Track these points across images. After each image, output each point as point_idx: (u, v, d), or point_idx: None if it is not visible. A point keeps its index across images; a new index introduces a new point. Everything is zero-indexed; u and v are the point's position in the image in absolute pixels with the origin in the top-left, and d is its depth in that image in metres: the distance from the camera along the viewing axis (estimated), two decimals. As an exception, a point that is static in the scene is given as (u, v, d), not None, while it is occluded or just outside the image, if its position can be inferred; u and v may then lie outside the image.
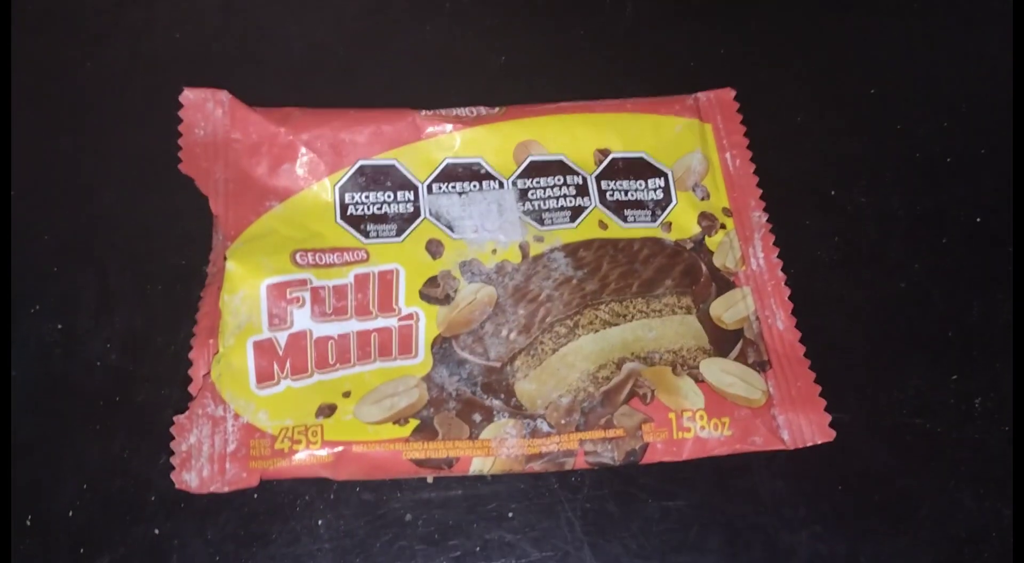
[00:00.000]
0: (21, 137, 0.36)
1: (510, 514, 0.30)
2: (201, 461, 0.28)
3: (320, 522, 0.29)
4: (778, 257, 0.34)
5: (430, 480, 0.30)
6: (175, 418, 0.29)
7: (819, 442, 0.31)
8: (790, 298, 0.34)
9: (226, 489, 0.28)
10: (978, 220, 0.36)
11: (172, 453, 0.29)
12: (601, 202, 0.35)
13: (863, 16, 0.41)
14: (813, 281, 0.34)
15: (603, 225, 0.34)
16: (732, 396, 0.31)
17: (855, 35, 0.41)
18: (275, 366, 0.30)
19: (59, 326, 0.32)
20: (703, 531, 0.30)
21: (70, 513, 0.29)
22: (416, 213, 0.34)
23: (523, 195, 0.35)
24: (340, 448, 0.29)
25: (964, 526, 0.30)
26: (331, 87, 0.38)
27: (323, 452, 0.29)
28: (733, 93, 0.38)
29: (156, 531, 0.29)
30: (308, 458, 0.29)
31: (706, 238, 0.35)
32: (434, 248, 0.33)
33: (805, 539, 0.30)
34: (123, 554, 0.29)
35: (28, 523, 0.29)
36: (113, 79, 0.38)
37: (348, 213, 0.34)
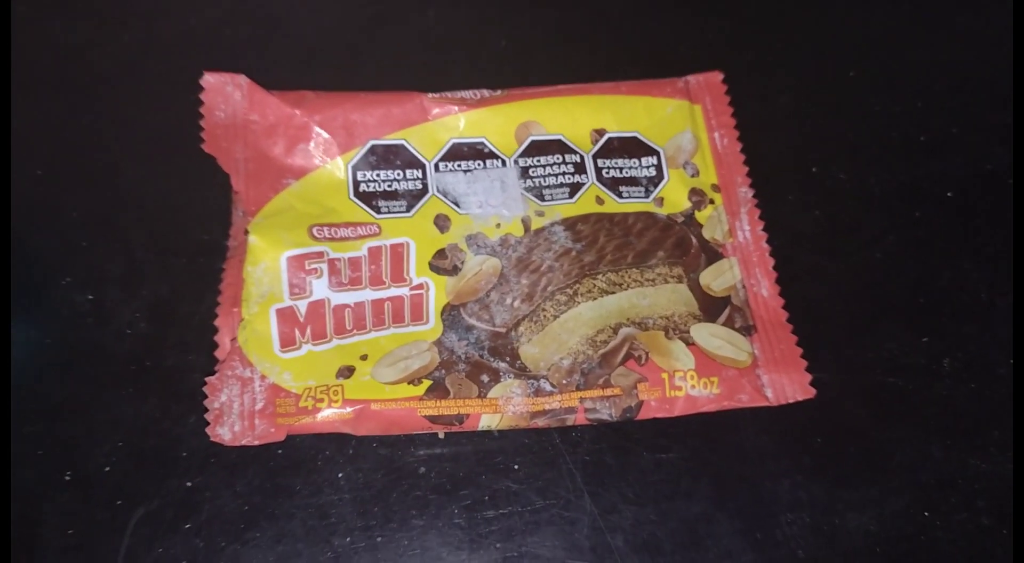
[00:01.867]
0: (45, 119, 0.38)
1: (516, 466, 0.32)
2: (232, 417, 0.31)
3: (340, 475, 0.32)
4: (763, 230, 0.37)
5: (442, 436, 0.33)
6: (207, 379, 0.31)
7: (800, 399, 0.33)
8: (774, 268, 0.36)
9: (256, 443, 0.30)
10: (949, 195, 0.39)
11: (202, 412, 0.31)
12: (598, 179, 0.37)
13: (844, 4, 0.43)
14: (795, 252, 0.37)
15: (600, 200, 0.37)
16: (720, 358, 0.34)
17: (836, 21, 0.43)
18: (296, 332, 0.33)
19: (90, 297, 0.34)
20: (693, 481, 0.32)
21: (107, 469, 0.31)
22: (424, 190, 0.36)
23: (524, 173, 0.37)
24: (359, 406, 0.31)
25: (932, 474, 0.33)
26: (339, 71, 0.40)
27: (344, 410, 0.31)
28: (721, 76, 0.40)
29: (188, 484, 0.31)
30: (330, 415, 0.31)
31: (696, 212, 0.37)
32: (442, 223, 0.35)
33: (787, 487, 0.32)
34: (158, 505, 0.31)
35: (67, 478, 0.31)
36: (131, 63, 0.40)
37: (360, 190, 0.36)
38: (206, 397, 0.31)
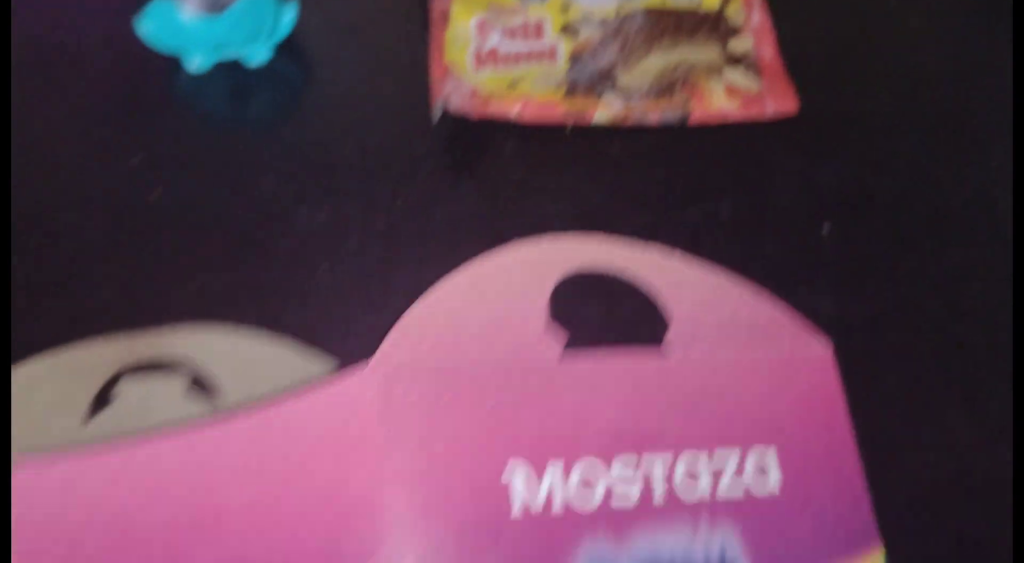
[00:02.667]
0: None
1: (615, 147, 0.53)
2: (449, 101, 0.52)
3: (507, 147, 0.52)
4: (769, 18, 0.57)
5: (568, 131, 0.53)
6: (430, 86, 0.52)
7: (791, 112, 0.54)
8: (776, 40, 0.56)
9: (464, 115, 0.51)
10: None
11: (425, 105, 0.52)
12: (662, -13, 0.58)
13: None
14: (792, 34, 0.57)
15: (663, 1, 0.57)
16: (741, 88, 0.54)
17: None
18: (483, 62, 0.53)
19: (346, 50, 0.56)
20: (723, 156, 0.53)
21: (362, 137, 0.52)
22: (553, -9, 0.57)
23: (615, -17, 0.58)
24: (523, 100, 0.52)
25: (878, 140, 0.53)
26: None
27: (514, 103, 0.52)
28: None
29: (419, 151, 0.52)
30: (505, 104, 0.52)
31: (725, 8, 0.57)
32: (564, 9, 0.56)
33: (780, 159, 0.52)
34: (403, 168, 0.52)
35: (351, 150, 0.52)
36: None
37: (512, -10, 0.57)
38: (438, 95, 0.52)
